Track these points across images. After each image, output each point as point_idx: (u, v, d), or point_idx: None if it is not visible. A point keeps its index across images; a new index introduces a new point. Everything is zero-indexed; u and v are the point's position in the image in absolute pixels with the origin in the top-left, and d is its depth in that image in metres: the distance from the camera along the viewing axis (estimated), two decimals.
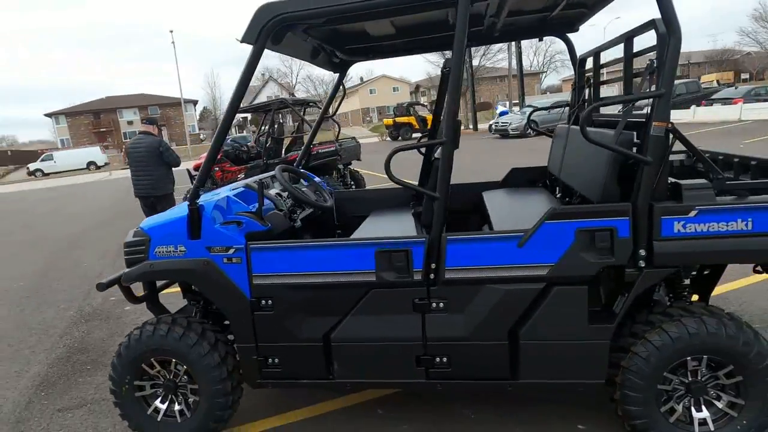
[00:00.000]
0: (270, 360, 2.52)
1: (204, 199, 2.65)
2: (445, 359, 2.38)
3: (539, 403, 2.78)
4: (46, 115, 59.24)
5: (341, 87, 3.92)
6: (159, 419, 2.65)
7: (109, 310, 4.94)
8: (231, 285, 2.46)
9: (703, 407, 2.30)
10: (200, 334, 2.55)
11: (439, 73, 3.48)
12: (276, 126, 10.16)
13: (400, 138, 26.66)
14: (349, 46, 3.37)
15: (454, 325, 2.34)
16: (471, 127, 30.37)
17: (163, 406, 2.66)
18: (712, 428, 2.28)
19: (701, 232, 2.10)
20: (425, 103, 33.54)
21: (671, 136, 2.12)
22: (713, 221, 2.09)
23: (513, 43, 27.69)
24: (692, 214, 2.09)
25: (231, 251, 2.44)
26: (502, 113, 26.24)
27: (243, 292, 2.46)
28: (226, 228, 2.47)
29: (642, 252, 2.15)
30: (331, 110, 4.19)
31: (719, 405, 2.28)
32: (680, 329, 2.18)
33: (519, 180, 3.80)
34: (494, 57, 36.06)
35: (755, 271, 2.55)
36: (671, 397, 2.30)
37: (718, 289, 4.05)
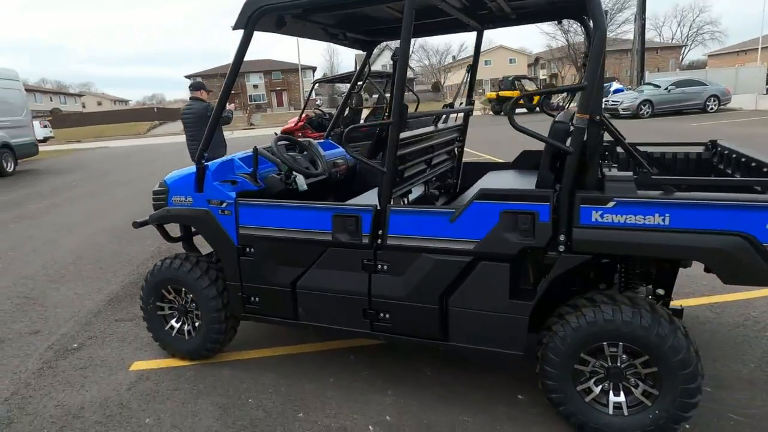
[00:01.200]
0: (252, 298, 3.01)
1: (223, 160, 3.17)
2: (387, 315, 2.70)
3: (486, 371, 3.00)
4: (186, 76, 65.86)
5: (368, 65, 4.21)
6: (173, 335, 3.30)
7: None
8: (223, 232, 2.97)
9: (621, 393, 2.39)
10: (204, 270, 3.11)
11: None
12: (354, 96, 10.64)
13: (502, 113, 25.95)
14: (361, 29, 3.64)
15: (394, 286, 2.64)
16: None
17: (177, 325, 3.30)
18: (626, 413, 2.37)
19: (618, 223, 2.17)
20: (534, 77, 31.97)
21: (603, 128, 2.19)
22: (631, 213, 2.14)
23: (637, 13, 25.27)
24: (610, 204, 2.17)
25: (224, 204, 2.94)
26: (617, 90, 24.28)
27: (232, 239, 2.96)
28: (223, 185, 2.97)
29: (562, 237, 2.27)
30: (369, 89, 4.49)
31: (636, 392, 2.36)
32: (596, 314, 2.28)
33: (527, 162, 3.87)
34: (618, 29, 33.11)
35: (706, 271, 2.50)
36: (589, 378, 2.41)
37: (747, 295, 3.84)
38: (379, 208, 2.59)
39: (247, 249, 2.95)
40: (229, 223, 2.95)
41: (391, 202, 2.60)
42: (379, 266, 2.65)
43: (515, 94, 25.86)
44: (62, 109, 64.96)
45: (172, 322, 3.31)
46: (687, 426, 2.49)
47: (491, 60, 63.24)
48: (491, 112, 28.00)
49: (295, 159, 3.22)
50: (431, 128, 3.59)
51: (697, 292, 4.01)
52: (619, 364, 2.35)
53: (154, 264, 3.27)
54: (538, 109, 26.80)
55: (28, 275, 5.15)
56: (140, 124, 43.42)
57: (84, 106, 74.14)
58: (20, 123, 14.04)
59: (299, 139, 3.58)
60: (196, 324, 3.25)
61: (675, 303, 2.99)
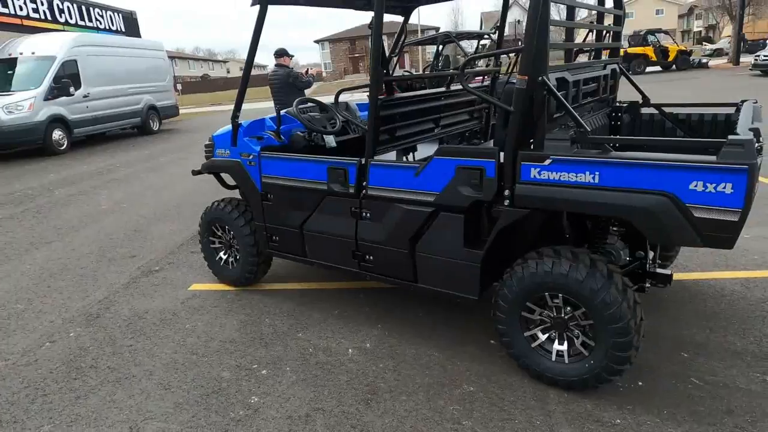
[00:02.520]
0: (273, 237, 3.57)
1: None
2: (370, 257, 3.07)
3: (474, 320, 3.25)
4: (315, 41, 69.06)
5: (404, 29, 4.42)
6: (221, 264, 4.00)
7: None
8: (251, 181, 3.53)
9: (565, 342, 2.53)
10: (241, 212, 3.73)
11: None
12: (441, 58, 10.64)
13: (630, 71, 23.60)
14: None
15: (375, 231, 2.99)
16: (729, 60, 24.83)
17: (224, 257, 4.00)
18: (566, 361, 2.52)
19: (553, 180, 2.28)
20: (669, 31, 28.31)
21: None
22: (564, 171, 2.25)
23: None
24: (547, 162, 2.28)
25: (251, 157, 3.49)
26: None
27: (257, 186, 3.51)
28: (251, 140, 3.51)
29: (507, 192, 2.44)
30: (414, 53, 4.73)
31: (576, 343, 2.49)
32: (538, 266, 2.43)
33: None
34: None
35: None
36: (537, 325, 2.58)
37: None
38: (363, 162, 2.94)
39: (268, 195, 3.48)
40: (255, 172, 3.50)
41: (373, 157, 2.92)
42: (363, 213, 3.02)
43: (647, 50, 23.35)
44: (210, 75, 72.23)
45: (221, 254, 4.01)
46: (640, 384, 2.57)
47: (633, 12, 56.89)
48: None
49: (312, 119, 3.64)
50: (429, 91, 3.74)
51: (740, 266, 3.77)
52: (563, 315, 2.49)
53: (208, 205, 3.97)
54: (674, 66, 24.04)
55: (142, 214, 6.33)
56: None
57: (228, 72, 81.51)
58: (164, 87, 16.25)
59: (322, 101, 3.92)
60: (237, 256, 3.91)
61: (677, 275, 2.93)
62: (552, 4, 2.38)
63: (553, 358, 2.55)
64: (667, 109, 3.38)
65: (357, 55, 65.60)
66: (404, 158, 3.68)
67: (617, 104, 3.39)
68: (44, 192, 7.85)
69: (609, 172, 2.15)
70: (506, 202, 2.45)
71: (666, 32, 24.46)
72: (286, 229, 3.44)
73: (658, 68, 24.25)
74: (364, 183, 2.96)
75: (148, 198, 7.19)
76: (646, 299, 3.36)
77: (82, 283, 4.25)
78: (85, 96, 12.79)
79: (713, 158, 1.96)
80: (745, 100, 3.06)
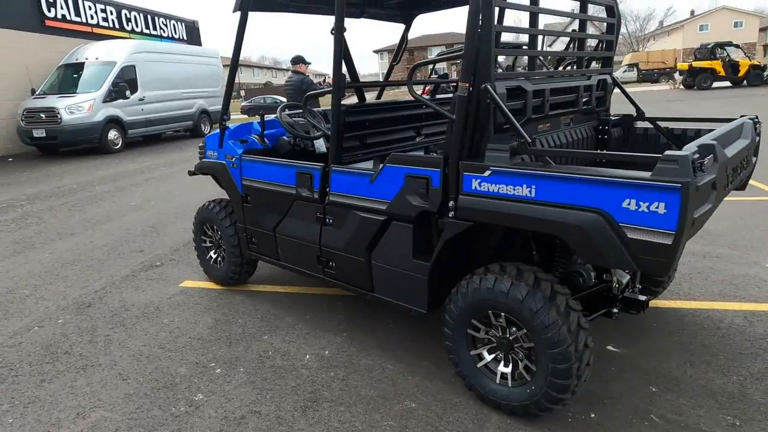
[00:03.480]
0: (252, 239, 3.62)
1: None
2: (332, 263, 3.05)
3: (437, 328, 3.15)
4: (374, 51, 70.09)
5: (405, 40, 4.38)
6: (210, 263, 4.10)
7: None
8: (233, 182, 3.61)
9: (510, 364, 2.40)
10: (228, 213, 3.81)
11: None
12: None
13: (695, 87, 22.27)
14: (385, 2, 3.85)
15: (336, 238, 2.97)
16: None
17: (214, 256, 4.09)
18: (509, 385, 2.38)
19: (492, 192, 2.18)
20: (742, 45, 26.50)
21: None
22: (503, 183, 2.14)
23: None
24: (486, 173, 2.18)
25: (234, 159, 3.57)
26: None
27: (238, 188, 3.58)
28: (235, 143, 3.59)
29: (451, 203, 2.35)
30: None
31: (520, 366, 2.35)
32: (481, 282, 2.32)
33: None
34: None
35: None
36: (483, 344, 2.46)
37: None
38: (327, 168, 2.93)
39: (248, 197, 3.54)
40: (237, 175, 3.57)
41: (337, 163, 2.90)
42: (327, 219, 3.00)
43: (715, 64, 21.98)
44: (273, 82, 74.91)
45: (211, 253, 4.11)
46: (593, 415, 2.40)
47: (708, 24, 53.78)
48: (682, 86, 24.22)
49: (295, 124, 3.67)
50: (406, 99, 3.64)
51: (750, 297, 3.44)
52: (508, 336, 2.36)
53: (201, 205, 4.09)
54: (745, 82, 22.46)
55: (165, 212, 6.62)
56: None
57: None
58: (216, 93, 17.00)
59: (305, 107, 3.89)
60: (224, 256, 4.00)
61: (674, 303, 2.69)
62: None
63: (498, 381, 2.42)
64: (663, 124, 3.16)
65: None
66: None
67: (606, 117, 3.20)
68: (87, 187, 8.38)
69: (544, 186, 2.02)
70: (451, 214, 2.36)
71: (737, 46, 22.93)
72: (262, 232, 3.48)
73: (727, 83, 22.77)
74: (327, 189, 2.95)
75: (176, 197, 7.51)
76: (630, 326, 3.14)
77: (87, 274, 4.48)
78: (140, 99, 13.59)
79: (647, 175, 1.80)
80: (744, 116, 2.81)
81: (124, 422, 2.49)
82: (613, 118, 3.25)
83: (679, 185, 1.71)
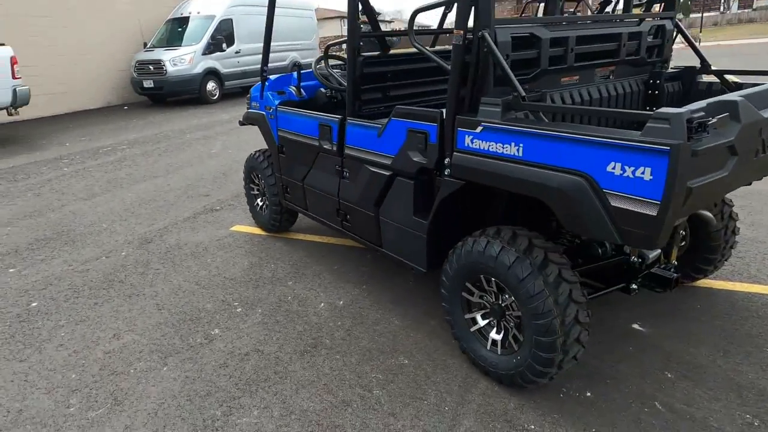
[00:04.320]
0: (287, 188, 3.73)
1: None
2: (348, 216, 3.06)
3: None
4: None
5: None
6: (257, 210, 4.31)
7: None
8: (270, 133, 3.71)
9: (502, 332, 2.30)
10: (270, 163, 3.95)
11: None
12: None
13: None
14: None
15: (350, 192, 2.97)
16: None
17: (261, 203, 4.29)
18: (499, 352, 2.29)
19: (483, 150, 2.04)
20: None
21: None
22: (493, 141, 1.99)
23: None
24: (479, 129, 2.04)
25: (271, 110, 3.65)
26: None
27: (275, 139, 3.68)
28: (273, 94, 3.66)
29: (447, 160, 2.23)
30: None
31: (510, 334, 2.24)
32: (474, 245, 2.22)
33: None
34: None
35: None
36: (477, 308, 2.37)
37: None
38: (344, 121, 2.90)
39: (282, 148, 3.63)
40: (274, 125, 3.66)
41: (352, 116, 2.86)
42: (344, 173, 3.00)
43: None
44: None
45: (258, 200, 4.32)
46: (588, 394, 2.25)
47: None
48: None
49: (329, 76, 3.63)
50: (435, 48, 3.42)
51: None
52: (500, 302, 2.25)
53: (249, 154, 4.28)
54: None
55: (237, 159, 7.00)
56: None
57: None
58: (309, 46, 17.28)
59: (326, 58, 3.76)
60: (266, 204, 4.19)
61: (731, 284, 2.42)
62: None
63: (488, 347, 2.34)
64: (732, 78, 2.70)
65: (524, 16, 61.93)
66: None
67: (660, 70, 2.79)
68: (179, 134, 9.09)
69: (531, 145, 1.85)
70: (447, 172, 2.25)
71: None
72: (294, 182, 3.58)
73: None
74: (344, 142, 2.93)
75: (251, 146, 7.89)
76: (665, 305, 2.85)
77: (156, 214, 4.94)
78: (236, 52, 14.24)
79: (636, 134, 1.56)
80: None
81: (147, 346, 2.78)
82: (670, 71, 2.84)
83: (668, 148, 1.47)
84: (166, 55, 12.83)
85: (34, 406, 2.36)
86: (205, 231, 4.42)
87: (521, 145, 1.88)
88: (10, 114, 9.04)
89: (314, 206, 3.44)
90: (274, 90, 3.70)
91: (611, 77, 2.64)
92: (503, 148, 1.95)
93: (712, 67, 2.76)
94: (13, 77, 8.74)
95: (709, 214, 2.36)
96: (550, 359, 2.04)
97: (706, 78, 2.82)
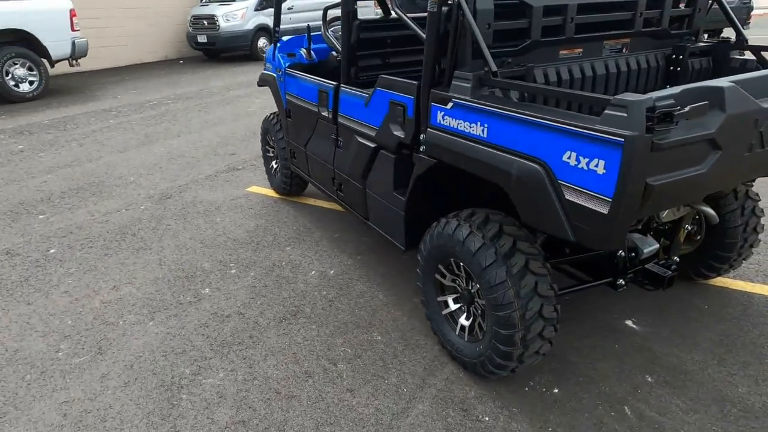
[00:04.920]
0: (294, 153, 3.71)
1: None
2: (342, 186, 3.01)
3: None
4: None
5: None
6: (272, 172, 4.33)
7: None
8: (279, 95, 3.67)
9: (471, 318, 2.21)
10: (281, 126, 3.94)
11: None
12: None
13: None
14: None
15: (342, 161, 2.90)
16: None
17: (275, 165, 4.30)
18: (465, 339, 2.21)
19: (452, 127, 1.91)
20: None
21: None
22: (461, 118, 1.86)
23: None
24: (449, 106, 1.91)
25: (280, 73, 3.60)
26: None
27: (283, 102, 3.64)
28: (283, 57, 3.60)
29: (422, 136, 2.11)
30: None
31: (477, 321, 2.15)
32: (444, 227, 2.12)
33: None
34: None
35: None
36: (450, 291, 2.29)
37: None
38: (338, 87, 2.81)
39: (290, 112, 3.59)
40: (282, 89, 3.61)
41: (346, 83, 2.76)
42: (338, 141, 2.93)
43: None
44: None
45: (272, 162, 4.34)
46: (555, 391, 2.15)
47: None
48: None
49: (338, 38, 3.50)
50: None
51: None
52: (470, 288, 2.16)
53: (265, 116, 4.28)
54: None
55: None
56: None
57: None
58: (363, 5, 16.91)
59: (324, 20, 3.60)
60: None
61: (750, 286, 2.25)
62: None
63: (457, 332, 2.27)
64: None
65: None
66: None
67: (684, 44, 2.47)
68: (223, 91, 9.24)
69: (496, 127, 1.71)
70: (422, 148, 2.14)
71: None
72: (298, 147, 3.55)
73: None
74: (338, 110, 2.85)
75: None
76: (668, 302, 2.65)
77: (181, 170, 5.08)
78: (289, 8, 14.13)
79: (595, 121, 1.39)
80: None
81: (141, 300, 2.90)
82: (700, 45, 2.52)
83: (621, 140, 1.30)
84: (219, 10, 12.94)
85: (28, 348, 2.54)
86: (222, 190, 4.52)
87: (486, 125, 1.74)
88: (71, 65, 9.48)
89: (314, 173, 3.40)
90: (284, 52, 3.63)
91: (625, 50, 2.38)
92: (470, 127, 1.81)
93: (749, 42, 2.43)
94: (72, 29, 9.11)
95: (708, 209, 2.12)
96: (508, 353, 1.94)
97: (745, 54, 2.50)
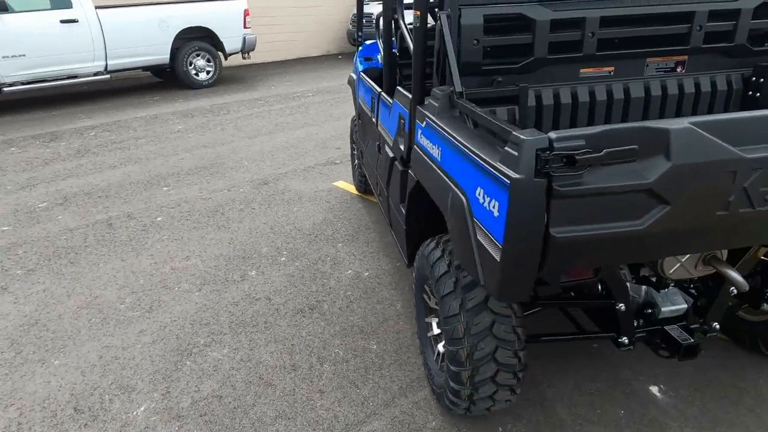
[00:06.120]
0: (361, 153, 3.82)
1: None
2: (380, 190, 3.04)
3: None
4: None
5: None
6: (354, 170, 4.52)
7: None
8: (356, 99, 3.80)
9: None
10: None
11: None
12: None
13: None
14: None
15: (380, 168, 2.93)
16: None
17: (357, 163, 4.49)
18: (438, 366, 2.12)
19: (423, 146, 1.84)
20: None
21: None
22: (428, 138, 1.78)
23: None
24: (423, 123, 1.83)
25: (357, 77, 3.73)
26: None
27: (358, 105, 3.77)
28: (360, 60, 3.72)
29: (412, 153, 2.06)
30: None
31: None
32: (425, 248, 2.06)
33: None
34: None
35: None
36: (435, 314, 2.21)
37: None
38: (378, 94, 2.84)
39: (359, 115, 3.71)
40: (357, 91, 3.75)
41: (388, 93, 2.77)
42: (379, 147, 2.97)
43: None
44: None
45: (356, 160, 4.52)
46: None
47: None
48: None
49: None
50: None
51: None
52: None
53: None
54: None
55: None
56: None
57: None
58: None
59: (377, 25, 3.54)
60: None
61: None
62: None
63: (434, 356, 2.18)
64: None
65: None
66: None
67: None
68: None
69: (446, 151, 1.60)
70: (411, 164, 2.09)
71: None
72: (363, 148, 3.66)
73: None
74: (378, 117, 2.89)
75: None
76: (726, 375, 2.20)
77: (288, 159, 5.56)
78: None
79: (497, 156, 1.24)
80: None
81: (200, 271, 3.32)
82: None
83: (508, 182, 1.15)
84: (377, 9, 13.61)
85: (104, 296, 3.09)
86: (313, 182, 4.84)
87: (440, 148, 1.65)
88: (243, 57, 10.91)
89: (369, 174, 3.48)
90: (363, 56, 3.75)
91: (680, 70, 2.00)
92: (432, 148, 1.73)
93: None
94: (244, 27, 10.43)
95: (733, 272, 1.69)
96: (456, 390, 1.83)
97: None
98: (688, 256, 1.74)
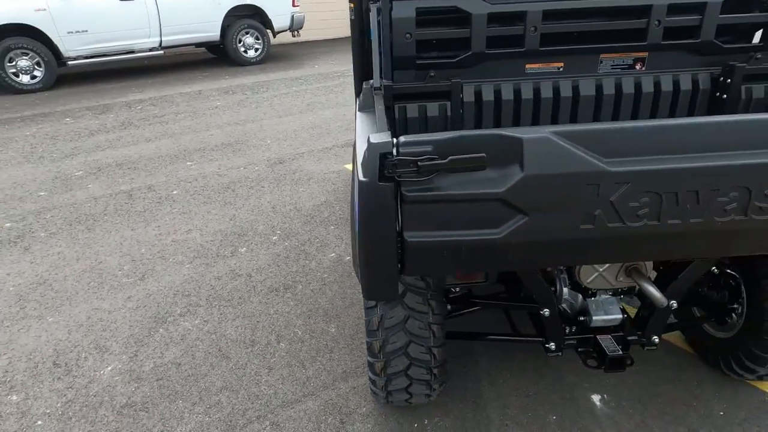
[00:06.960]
0: None
1: None
2: None
3: None
4: None
5: None
6: None
7: None
8: None
9: None
10: None
11: None
12: None
13: None
14: None
15: None
16: None
17: None
18: None
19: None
20: None
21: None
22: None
23: None
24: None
25: None
26: None
27: None
28: None
29: None
30: None
31: None
32: None
33: None
34: None
35: None
36: None
37: None
38: None
39: None
40: None
41: None
42: None
43: None
44: None
45: None
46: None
47: None
48: None
49: None
50: None
51: None
52: None
53: None
54: None
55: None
56: None
57: None
58: None
59: None
60: None
61: None
62: None
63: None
64: None
65: None
66: None
67: (734, 64, 1.79)
68: None
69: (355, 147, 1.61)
70: None
71: None
72: None
73: None
74: None
75: None
76: (677, 390, 2.11)
77: (309, 139, 5.67)
78: None
79: None
80: None
81: (196, 245, 3.51)
82: (758, 67, 1.81)
83: (357, 184, 1.16)
84: None
85: (107, 262, 3.35)
86: (325, 163, 4.94)
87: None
88: (293, 35, 11.11)
89: None
90: None
91: (639, 67, 1.88)
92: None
93: None
94: (293, 5, 10.58)
95: (649, 286, 1.58)
96: (373, 380, 1.87)
97: None
98: (607, 265, 1.67)
